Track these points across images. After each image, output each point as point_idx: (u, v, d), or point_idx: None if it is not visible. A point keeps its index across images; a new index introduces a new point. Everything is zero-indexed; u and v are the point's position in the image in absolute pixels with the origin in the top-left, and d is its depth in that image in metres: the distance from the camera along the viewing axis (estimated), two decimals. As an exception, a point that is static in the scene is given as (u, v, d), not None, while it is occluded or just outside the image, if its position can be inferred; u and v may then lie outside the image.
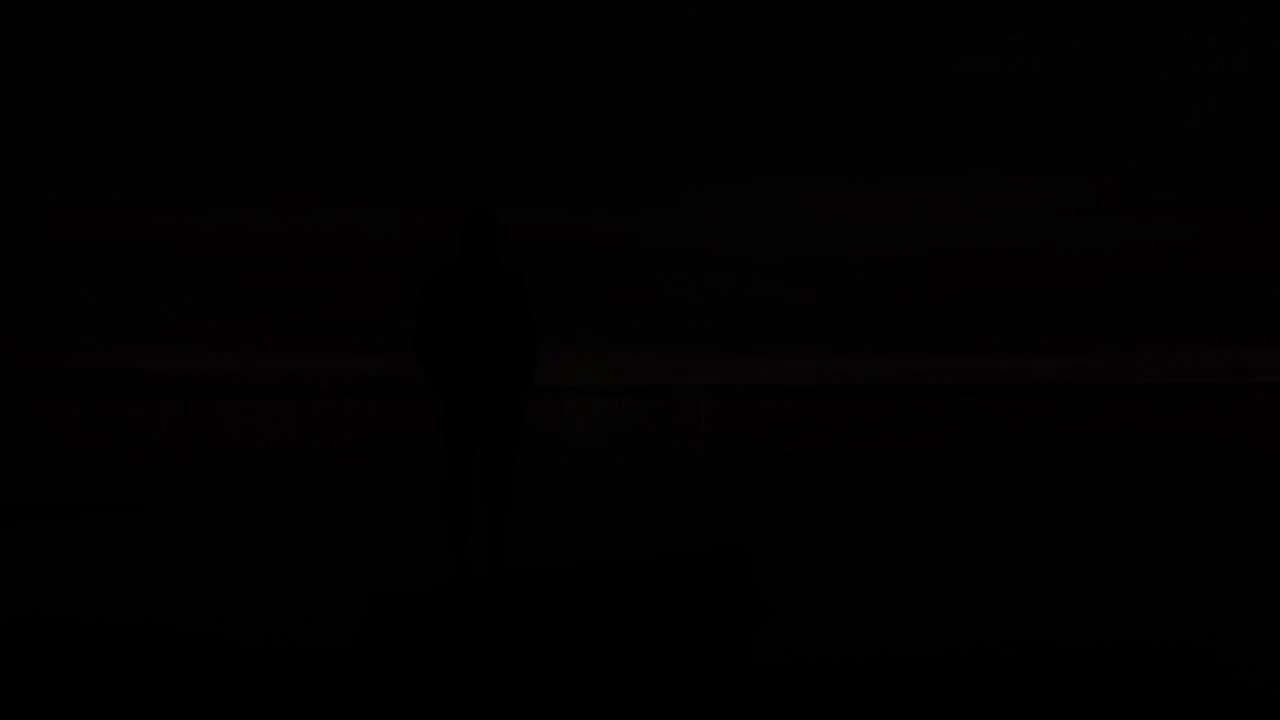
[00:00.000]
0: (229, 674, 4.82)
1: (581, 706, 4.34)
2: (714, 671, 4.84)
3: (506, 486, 6.82)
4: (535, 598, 5.64)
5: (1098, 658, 5.03)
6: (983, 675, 4.74)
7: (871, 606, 6.13)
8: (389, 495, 12.15)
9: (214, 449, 21.44)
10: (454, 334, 6.59)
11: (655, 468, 15.88)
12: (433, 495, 12.05)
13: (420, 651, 5.23)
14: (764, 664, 4.95)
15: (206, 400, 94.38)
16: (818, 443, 22.29)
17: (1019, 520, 9.65)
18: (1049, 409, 47.86)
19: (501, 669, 4.91)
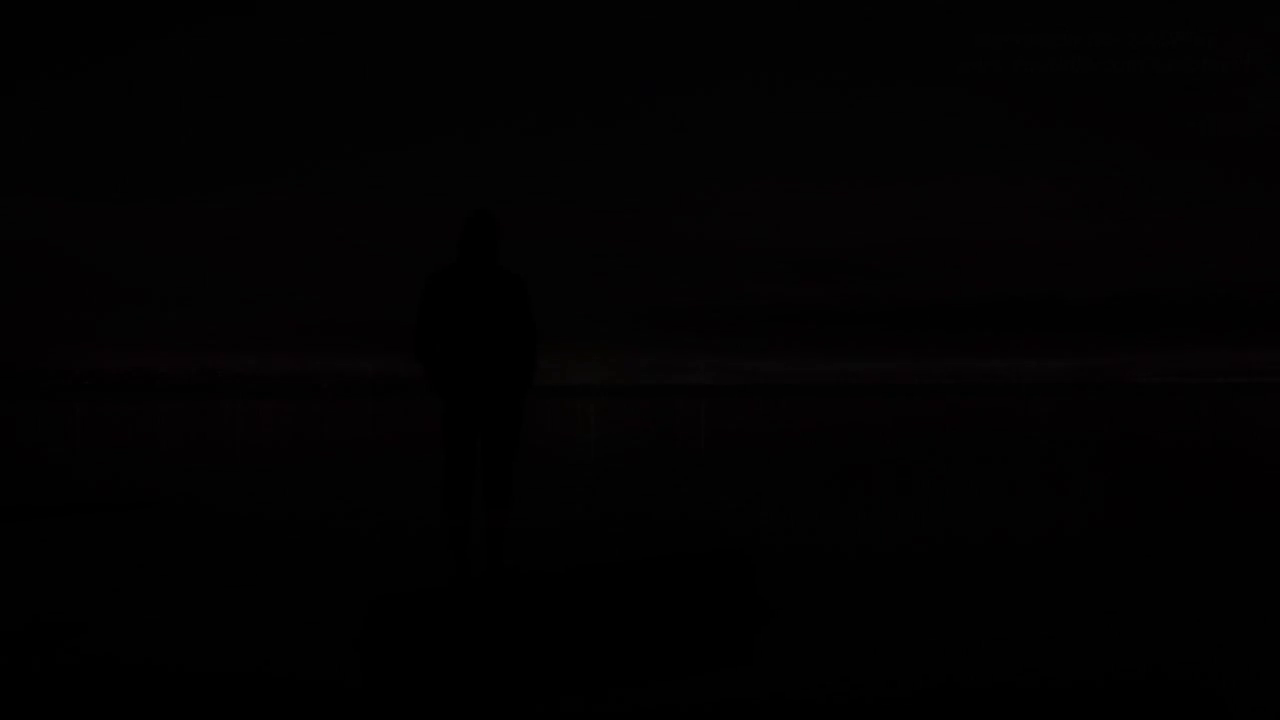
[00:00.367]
0: (229, 674, 4.83)
1: (581, 706, 4.34)
2: (714, 671, 4.84)
3: (507, 487, 6.82)
4: (535, 598, 5.65)
5: (1096, 655, 5.04)
6: (982, 675, 4.75)
7: (871, 607, 6.14)
8: (389, 495, 12.15)
9: (214, 449, 21.44)
10: (454, 334, 6.60)
11: (655, 468, 15.88)
12: (433, 495, 12.05)
13: (421, 652, 5.24)
14: (764, 664, 4.96)
15: (206, 400, 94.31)
16: (818, 442, 22.29)
17: (1019, 520, 9.65)
18: (1049, 409, 47.85)
19: (501, 669, 4.91)
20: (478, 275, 6.63)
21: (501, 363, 6.61)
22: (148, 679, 4.75)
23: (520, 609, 5.60)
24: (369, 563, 7.67)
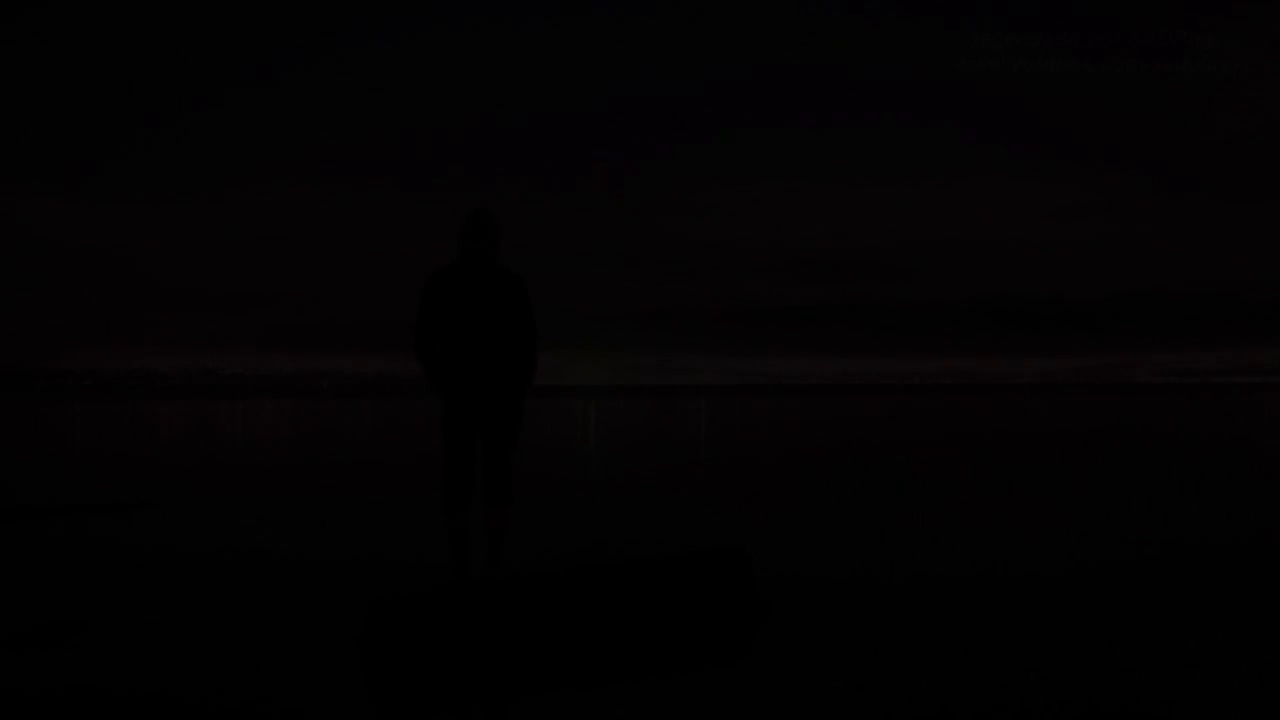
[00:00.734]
0: (229, 674, 4.83)
1: (581, 707, 4.34)
2: (714, 671, 4.84)
3: (507, 487, 6.82)
4: (535, 598, 5.65)
5: (1096, 651, 5.04)
6: (982, 675, 4.75)
7: (871, 607, 6.13)
8: (389, 495, 12.15)
9: (214, 449, 21.44)
10: (454, 334, 6.59)
11: (655, 468, 15.88)
12: (433, 495, 12.05)
13: (421, 652, 5.24)
14: (764, 664, 4.95)
15: (206, 400, 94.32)
16: (817, 442, 22.29)
17: (1019, 521, 9.65)
18: (1048, 409, 47.86)
19: (501, 669, 4.91)
20: (478, 274, 6.62)
21: (501, 362, 6.60)
22: (147, 679, 4.75)
23: (521, 608, 5.60)
24: (369, 563, 7.67)
